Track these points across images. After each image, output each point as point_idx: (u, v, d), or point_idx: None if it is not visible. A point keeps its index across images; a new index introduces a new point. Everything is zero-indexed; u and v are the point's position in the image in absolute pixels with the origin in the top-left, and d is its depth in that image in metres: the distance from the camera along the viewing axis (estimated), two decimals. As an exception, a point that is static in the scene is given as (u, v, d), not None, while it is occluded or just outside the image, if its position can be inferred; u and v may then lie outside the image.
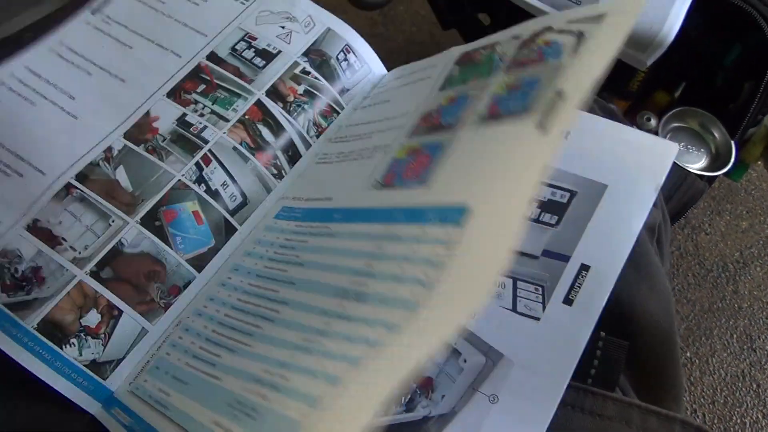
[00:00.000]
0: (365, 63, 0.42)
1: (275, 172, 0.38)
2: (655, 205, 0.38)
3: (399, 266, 0.25)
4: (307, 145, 0.39)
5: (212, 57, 0.39)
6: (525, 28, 0.33)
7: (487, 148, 0.28)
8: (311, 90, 0.40)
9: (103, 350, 0.32)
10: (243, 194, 0.36)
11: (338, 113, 0.40)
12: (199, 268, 0.34)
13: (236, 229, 0.36)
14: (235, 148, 0.37)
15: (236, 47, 0.40)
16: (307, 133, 0.39)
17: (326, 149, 0.39)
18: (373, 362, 0.22)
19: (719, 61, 0.57)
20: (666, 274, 0.39)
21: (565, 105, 0.25)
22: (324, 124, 0.40)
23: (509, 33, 0.34)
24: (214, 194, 0.36)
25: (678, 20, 0.49)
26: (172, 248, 0.34)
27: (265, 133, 0.38)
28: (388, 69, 0.43)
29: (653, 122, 0.56)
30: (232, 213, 0.36)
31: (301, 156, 0.39)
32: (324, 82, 0.40)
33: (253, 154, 0.37)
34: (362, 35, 0.42)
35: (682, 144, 0.56)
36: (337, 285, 0.27)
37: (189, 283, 0.34)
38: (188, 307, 0.33)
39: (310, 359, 0.25)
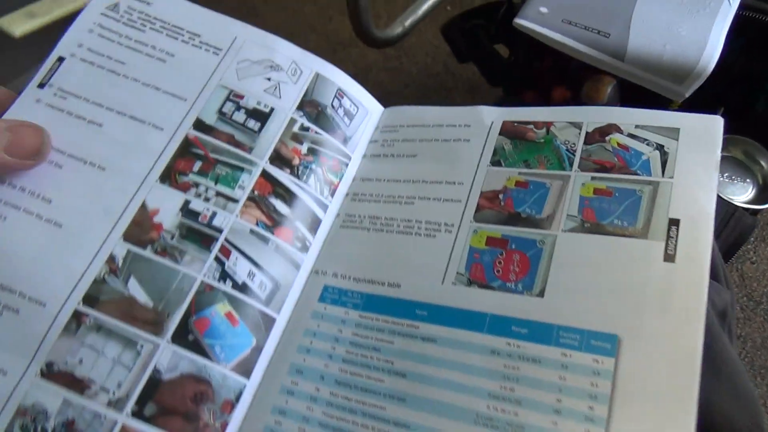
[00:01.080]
0: (360, 104, 0.39)
1: (299, 245, 0.35)
2: (727, 286, 0.38)
3: (554, 397, 0.25)
4: (325, 207, 0.36)
5: (200, 125, 0.34)
6: (580, 115, 0.33)
7: (607, 265, 0.28)
8: (315, 147, 0.37)
9: (169, 494, 0.29)
10: (272, 279, 0.33)
11: (346, 164, 0.38)
12: (247, 374, 0.31)
13: (274, 319, 0.33)
14: (252, 231, 0.33)
15: (223, 110, 0.35)
16: (322, 194, 0.36)
17: (350, 209, 0.36)
18: None
19: (761, 84, 0.53)
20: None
21: (686, 236, 0.27)
22: (335, 179, 0.37)
23: (560, 115, 0.35)
24: (243, 288, 0.32)
25: (717, 48, 0.47)
26: (213, 360, 0.31)
27: (279, 206, 0.35)
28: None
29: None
30: (266, 302, 0.33)
31: (321, 220, 0.36)
32: (326, 135, 0.37)
33: (272, 233, 0.34)
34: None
35: (726, 175, 0.51)
36: (471, 408, 0.27)
37: (240, 393, 0.31)
38: (251, 424, 0.31)
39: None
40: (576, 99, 0.50)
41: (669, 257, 0.28)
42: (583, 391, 0.26)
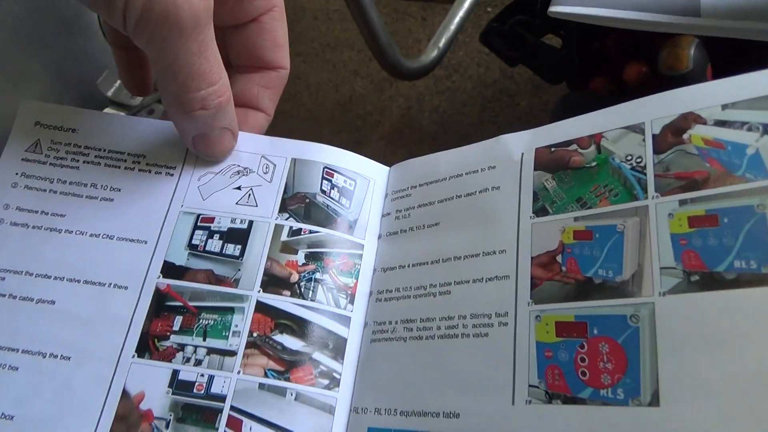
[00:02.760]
0: (357, 175, 0.31)
1: (326, 382, 0.27)
2: None
3: None
4: (347, 321, 0.29)
5: (169, 270, 0.28)
6: (637, 112, 0.24)
7: (747, 339, 0.19)
8: (313, 251, 0.29)
9: None
10: (302, 438, 0.26)
11: (360, 255, 0.30)
12: None
13: (316, 492, 0.26)
14: (262, 386, 0.26)
15: (193, 242, 0.29)
16: (338, 306, 0.29)
17: (377, 315, 0.28)
18: None
19: None
20: None
21: None
22: (351, 281, 0.29)
23: (610, 119, 0.25)
24: (267, 462, 0.25)
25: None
26: None
27: (288, 341, 0.27)
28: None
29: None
30: (301, 472, 0.26)
31: (346, 339, 0.28)
32: (324, 230, 0.29)
33: (288, 378, 0.27)
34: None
35: None
36: None
37: None
38: None
39: None
40: (656, 74, 0.39)
41: (842, 308, 0.17)
42: None
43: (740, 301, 0.19)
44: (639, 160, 0.23)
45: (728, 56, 0.36)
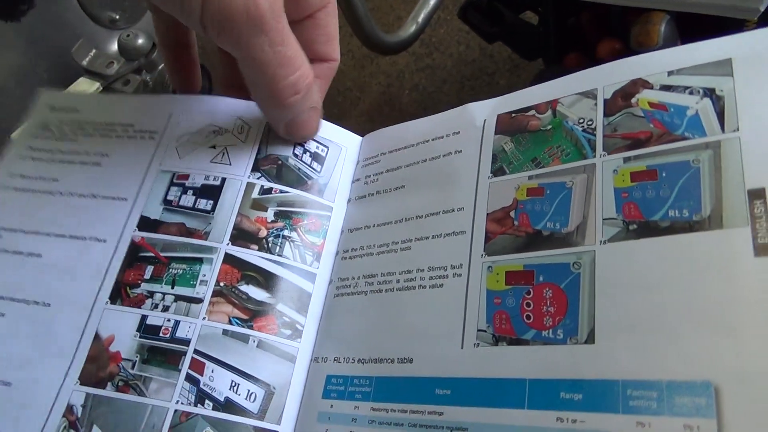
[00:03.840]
0: (330, 142, 0.33)
1: (289, 332, 0.28)
2: None
3: None
4: (312, 277, 0.30)
5: (145, 224, 0.29)
6: (590, 79, 0.25)
7: (674, 280, 0.20)
8: (283, 209, 0.30)
9: None
10: (263, 384, 0.27)
11: (329, 217, 0.31)
12: None
13: (276, 435, 0.27)
14: (225, 332, 0.27)
15: (169, 197, 0.30)
16: (305, 262, 0.30)
17: (342, 272, 0.30)
18: None
19: None
20: None
21: None
22: (318, 240, 0.31)
23: (566, 87, 0.26)
24: (227, 406, 0.26)
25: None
26: (208, 506, 0.25)
27: (254, 291, 0.28)
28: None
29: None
30: (260, 415, 0.27)
31: (310, 294, 0.29)
32: (294, 191, 0.31)
33: (251, 326, 0.28)
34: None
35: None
36: None
37: None
38: None
39: None
40: (629, 50, 0.41)
41: (762, 249, 0.19)
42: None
43: (671, 246, 0.20)
44: (590, 122, 0.25)
45: (698, 32, 0.38)
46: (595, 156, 0.24)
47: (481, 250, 0.25)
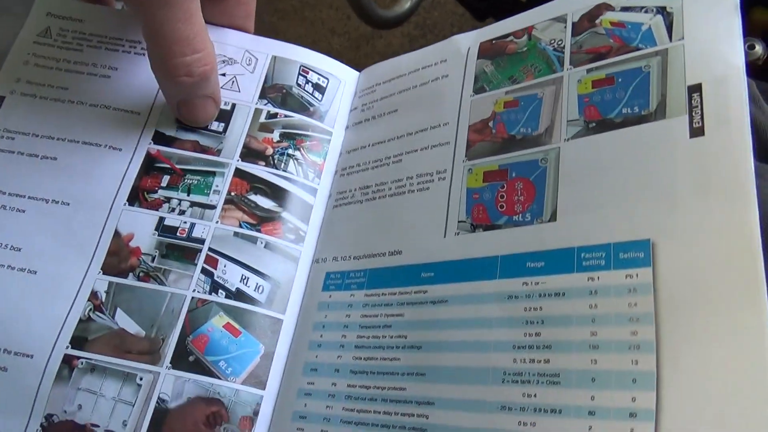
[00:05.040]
0: (330, 75, 0.36)
1: (293, 237, 0.32)
2: None
3: (587, 330, 0.21)
4: (313, 191, 0.33)
5: (160, 138, 0.32)
6: (561, 7, 0.29)
7: (624, 164, 0.23)
8: (287, 131, 0.34)
9: None
10: (269, 279, 0.30)
11: (329, 141, 0.34)
12: (261, 384, 0.29)
13: (280, 320, 0.30)
14: (236, 234, 0.31)
15: (183, 116, 0.33)
16: (307, 178, 0.33)
17: (340, 186, 0.33)
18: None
19: None
20: None
21: (712, 100, 0.22)
22: (319, 159, 0.34)
23: (541, 14, 0.30)
24: (238, 295, 0.29)
25: None
26: (221, 377, 0.28)
27: (261, 201, 0.32)
28: None
29: (759, 49, 0.37)
30: (267, 305, 0.30)
31: (312, 206, 0.33)
32: (297, 116, 0.34)
33: (259, 230, 0.31)
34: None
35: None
36: (496, 367, 0.23)
37: (258, 406, 0.28)
38: (273, 438, 0.28)
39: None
40: None
41: (696, 131, 0.22)
42: (620, 315, 0.21)
43: (623, 136, 0.24)
44: (560, 42, 0.28)
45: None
46: (563, 70, 0.27)
47: (462, 156, 0.29)
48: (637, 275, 0.21)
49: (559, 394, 0.21)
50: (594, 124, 0.25)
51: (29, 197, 0.31)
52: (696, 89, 0.23)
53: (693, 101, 0.23)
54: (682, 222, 0.21)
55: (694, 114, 0.22)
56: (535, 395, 0.21)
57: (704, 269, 0.20)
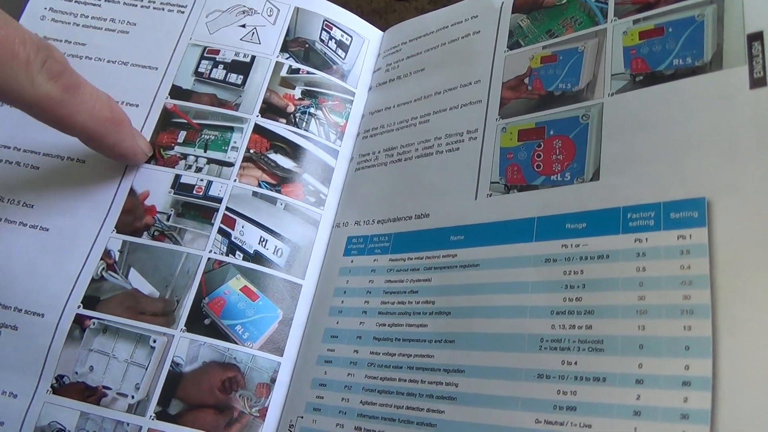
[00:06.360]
0: (354, 33, 0.34)
1: (313, 200, 0.30)
2: None
3: (634, 295, 0.19)
4: (335, 153, 0.32)
5: (177, 92, 0.31)
6: None
7: (676, 118, 0.22)
8: (310, 89, 0.32)
9: (214, 498, 0.25)
10: (289, 242, 0.29)
11: (351, 101, 0.33)
12: (279, 351, 0.27)
13: (299, 285, 0.29)
14: (255, 193, 0.29)
15: (199, 70, 0.32)
16: (328, 139, 0.32)
17: (362, 149, 0.31)
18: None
19: None
20: None
21: None
22: (341, 120, 0.32)
23: None
24: (256, 258, 0.28)
25: None
26: (237, 342, 0.27)
27: (282, 160, 0.30)
28: None
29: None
30: (286, 269, 0.29)
31: (333, 168, 0.31)
32: (320, 73, 0.32)
33: (279, 191, 0.30)
34: None
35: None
36: (533, 333, 0.21)
37: (276, 373, 0.27)
38: (291, 404, 0.27)
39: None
40: None
41: (757, 82, 0.20)
42: (671, 279, 0.19)
43: (675, 89, 0.22)
44: (603, -7, 0.26)
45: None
46: (606, 22, 0.25)
47: (495, 114, 0.27)
48: (690, 236, 0.19)
49: (602, 362, 0.20)
50: (641, 78, 0.23)
51: (43, 154, 0.30)
52: (756, 37, 0.21)
53: (753, 50, 0.21)
54: (742, 178, 0.19)
55: (755, 64, 0.21)
56: (575, 363, 0.20)
57: (766, 228, 0.18)
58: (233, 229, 0.29)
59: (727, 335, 0.18)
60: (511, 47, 0.28)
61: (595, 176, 0.23)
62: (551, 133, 0.25)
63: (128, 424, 0.25)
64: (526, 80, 0.27)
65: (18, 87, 0.22)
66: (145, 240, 0.28)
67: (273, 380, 0.27)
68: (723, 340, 0.18)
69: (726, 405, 0.17)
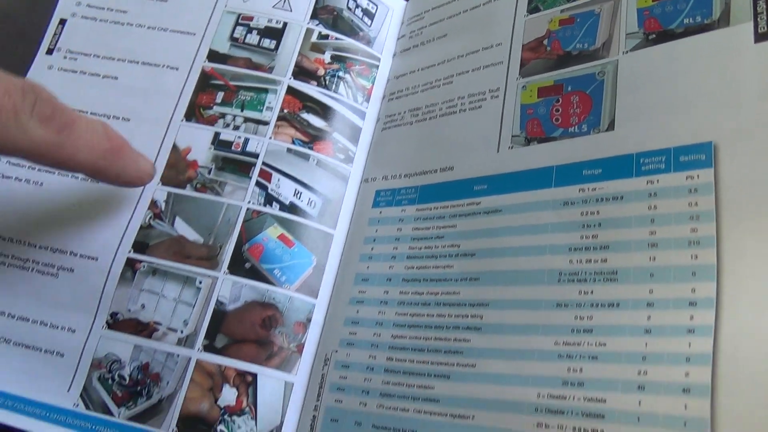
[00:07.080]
0: (380, 2, 0.36)
1: (343, 157, 0.32)
2: None
3: (646, 230, 0.21)
4: (362, 114, 0.34)
5: (214, 56, 0.33)
6: None
7: (686, 72, 0.24)
8: (338, 54, 0.34)
9: (256, 424, 0.27)
10: (320, 195, 0.31)
11: (377, 66, 0.35)
12: (314, 293, 0.30)
13: (331, 234, 0.31)
14: (289, 150, 0.31)
15: (235, 35, 0.33)
16: (356, 101, 0.34)
17: (388, 110, 0.33)
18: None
19: None
20: None
21: None
22: (368, 84, 0.34)
23: None
24: (291, 208, 0.30)
25: None
26: (275, 284, 0.29)
27: (313, 120, 0.32)
28: None
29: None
30: (319, 219, 0.31)
31: (360, 128, 0.33)
32: (348, 39, 0.34)
33: (311, 148, 0.32)
34: None
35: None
36: (552, 268, 0.23)
37: (311, 313, 0.29)
38: (326, 340, 0.29)
39: (599, 366, 0.21)
40: None
41: (762, 36, 0.22)
42: (680, 215, 0.21)
43: (686, 45, 0.24)
44: (619, -41, 0.28)
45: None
46: (622, -15, 0.27)
47: (516, 74, 0.29)
48: (698, 176, 0.21)
49: (616, 290, 0.22)
50: (654, 36, 0.25)
51: (91, 113, 0.32)
52: (762, -4, 0.23)
53: (758, 7, 0.23)
54: (746, 124, 0.21)
55: (759, 19, 0.22)
56: (591, 292, 0.22)
57: (767, 168, 0.20)
58: (270, 182, 0.31)
59: (731, 262, 0.20)
60: (530, 12, 0.30)
61: (611, 127, 0.25)
62: (569, 89, 0.27)
63: (178, 356, 0.27)
64: (545, 41, 0.29)
65: (11, 138, 0.21)
66: (188, 191, 0.30)
67: (309, 320, 0.29)
68: (726, 266, 0.20)
69: (728, 320, 0.19)
